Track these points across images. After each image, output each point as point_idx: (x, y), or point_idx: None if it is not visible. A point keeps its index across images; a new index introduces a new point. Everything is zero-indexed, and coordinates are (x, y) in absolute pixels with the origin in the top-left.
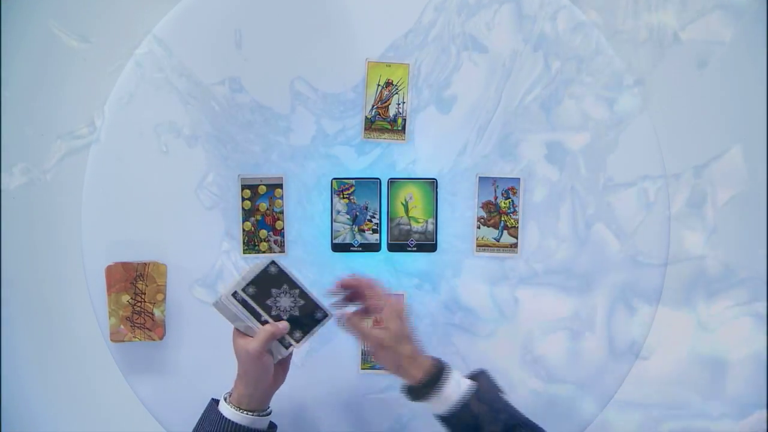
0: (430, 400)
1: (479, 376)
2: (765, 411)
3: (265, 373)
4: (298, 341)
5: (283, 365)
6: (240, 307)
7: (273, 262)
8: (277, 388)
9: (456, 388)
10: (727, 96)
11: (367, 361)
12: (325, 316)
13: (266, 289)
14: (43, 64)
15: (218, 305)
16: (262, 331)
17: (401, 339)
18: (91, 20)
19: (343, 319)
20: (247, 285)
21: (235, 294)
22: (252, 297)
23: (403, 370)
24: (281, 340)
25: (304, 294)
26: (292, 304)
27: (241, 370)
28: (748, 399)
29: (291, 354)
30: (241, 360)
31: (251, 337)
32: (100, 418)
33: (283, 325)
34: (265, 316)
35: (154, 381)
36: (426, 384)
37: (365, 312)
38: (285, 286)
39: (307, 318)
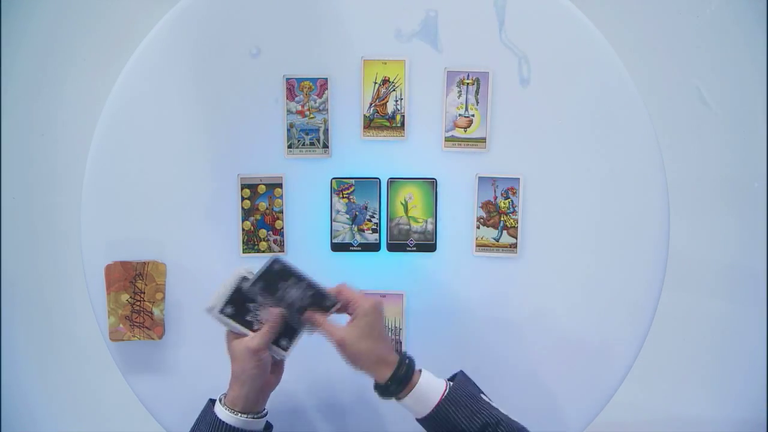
0: (401, 400)
1: (456, 377)
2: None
3: (261, 371)
4: (286, 349)
5: (278, 366)
6: (228, 320)
7: (244, 278)
8: (272, 388)
9: (429, 389)
10: (727, 97)
11: None
12: (334, 303)
13: (243, 304)
14: (43, 64)
15: (210, 313)
16: (265, 327)
17: (365, 337)
18: (92, 20)
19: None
20: (225, 305)
21: (220, 311)
22: (231, 317)
23: (368, 369)
24: (287, 338)
25: (311, 284)
26: (302, 293)
27: (238, 370)
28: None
29: (287, 357)
30: (239, 359)
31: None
32: (99, 416)
33: (280, 314)
34: (247, 331)
35: (153, 380)
36: (392, 382)
37: (340, 311)
38: (292, 279)
39: (290, 325)
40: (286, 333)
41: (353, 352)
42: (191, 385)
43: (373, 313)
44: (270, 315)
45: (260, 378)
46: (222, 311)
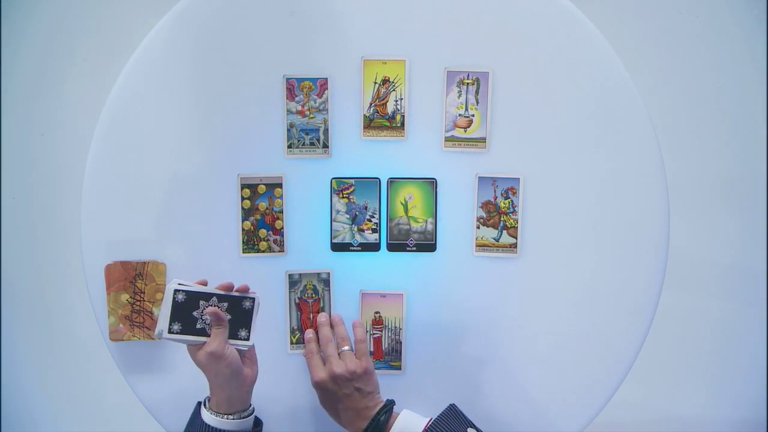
0: None
1: (446, 413)
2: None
3: (234, 370)
4: (248, 338)
5: (249, 356)
6: (180, 336)
7: (176, 290)
8: (253, 381)
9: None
10: (727, 96)
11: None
12: (253, 300)
13: (188, 316)
14: (43, 64)
15: (160, 338)
16: (214, 328)
17: (345, 384)
18: (92, 20)
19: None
20: (171, 323)
21: (168, 333)
22: (181, 332)
23: (339, 418)
24: (242, 328)
25: (221, 296)
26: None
27: (211, 377)
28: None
29: (251, 345)
30: (207, 366)
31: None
32: (99, 416)
33: (222, 312)
34: (203, 340)
35: (153, 380)
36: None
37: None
38: (202, 302)
39: (239, 314)
40: (240, 323)
41: (321, 401)
42: (191, 385)
43: (360, 365)
44: (212, 317)
45: (236, 377)
46: (170, 331)
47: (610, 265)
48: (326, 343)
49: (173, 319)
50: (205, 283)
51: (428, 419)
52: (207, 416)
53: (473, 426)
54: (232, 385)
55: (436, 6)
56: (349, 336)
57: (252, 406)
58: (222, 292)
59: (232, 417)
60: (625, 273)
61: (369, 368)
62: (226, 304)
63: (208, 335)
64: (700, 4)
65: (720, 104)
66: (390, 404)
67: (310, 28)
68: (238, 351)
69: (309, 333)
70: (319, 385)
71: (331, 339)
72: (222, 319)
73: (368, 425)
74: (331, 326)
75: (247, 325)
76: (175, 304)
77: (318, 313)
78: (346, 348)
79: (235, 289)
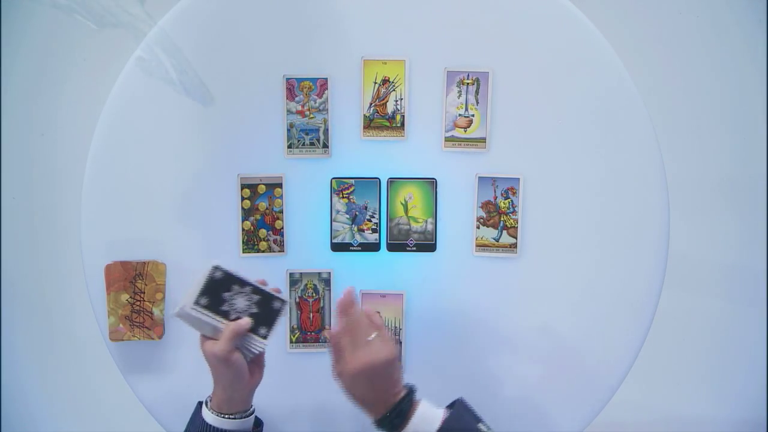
0: None
1: (455, 406)
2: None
3: (238, 373)
4: (265, 337)
5: (257, 362)
6: (203, 312)
7: (216, 267)
8: (255, 386)
9: (425, 422)
10: (727, 96)
11: None
12: (283, 303)
13: (217, 295)
14: (43, 64)
15: (181, 314)
16: (226, 331)
17: (363, 381)
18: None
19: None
20: (199, 296)
21: (194, 305)
22: (206, 307)
23: (362, 404)
24: (249, 339)
25: (256, 289)
26: (248, 302)
27: (215, 375)
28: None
29: (264, 351)
30: (212, 364)
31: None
32: (99, 416)
33: (245, 321)
34: (225, 323)
35: (152, 380)
36: (382, 422)
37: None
38: (236, 287)
39: (267, 311)
40: (265, 321)
41: (347, 389)
42: (191, 385)
43: (383, 363)
44: (237, 323)
45: (239, 381)
46: (196, 303)
47: (610, 265)
48: (351, 330)
49: (203, 293)
50: None
51: (442, 411)
52: (208, 415)
53: (482, 421)
54: (235, 387)
55: (436, 6)
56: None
57: (253, 407)
58: (258, 285)
59: (232, 417)
60: (625, 273)
61: (389, 356)
62: (258, 297)
63: (230, 319)
64: (700, 4)
65: (720, 104)
66: (412, 393)
67: (310, 28)
68: (250, 354)
69: (334, 323)
70: (344, 372)
71: (357, 326)
72: (243, 327)
73: (390, 413)
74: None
75: (270, 324)
76: (210, 280)
77: (317, 312)
78: (374, 335)
79: (268, 288)
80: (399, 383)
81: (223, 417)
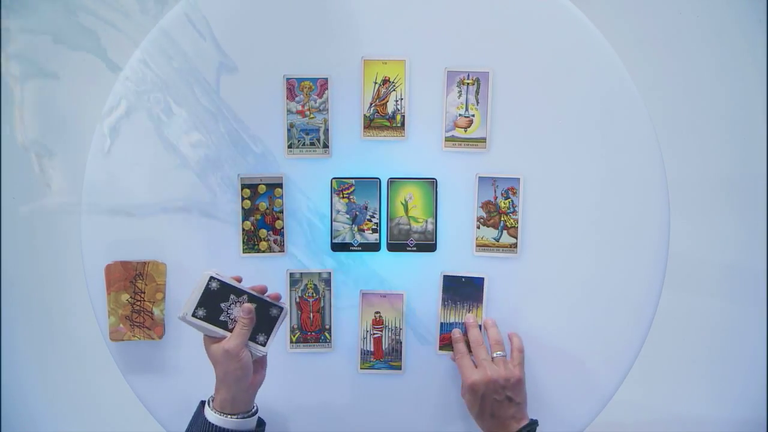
0: None
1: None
2: (765, 411)
3: (244, 372)
4: (264, 344)
5: (261, 362)
6: (201, 323)
7: (212, 278)
8: (259, 385)
9: None
10: (727, 96)
11: (367, 361)
12: (281, 310)
13: (215, 306)
14: (44, 64)
15: (183, 321)
16: (238, 326)
17: (498, 391)
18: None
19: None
20: (197, 308)
21: (192, 318)
22: (203, 319)
23: (483, 423)
24: (248, 346)
25: (252, 297)
26: None
27: (221, 374)
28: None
29: (266, 352)
30: (220, 362)
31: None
32: (99, 416)
33: (252, 316)
34: (222, 332)
35: (153, 380)
36: None
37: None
38: (232, 297)
39: (264, 319)
40: (262, 328)
41: (470, 406)
42: (191, 385)
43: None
44: (242, 312)
45: (244, 379)
46: (194, 314)
47: (610, 265)
48: (478, 346)
49: (200, 304)
50: (239, 280)
51: None
52: (210, 415)
53: None
54: (239, 386)
55: (436, 6)
56: (502, 341)
57: (256, 407)
58: (254, 293)
59: (235, 416)
60: (625, 273)
61: (522, 378)
62: (255, 306)
63: (228, 330)
64: (700, 4)
65: (720, 104)
66: (534, 424)
67: (311, 28)
68: (252, 355)
69: (456, 333)
70: (472, 388)
71: (482, 342)
72: (252, 320)
73: None
74: (484, 329)
75: (268, 332)
76: (207, 291)
77: (318, 312)
78: (501, 353)
79: (266, 294)
80: (521, 408)
81: (226, 416)
